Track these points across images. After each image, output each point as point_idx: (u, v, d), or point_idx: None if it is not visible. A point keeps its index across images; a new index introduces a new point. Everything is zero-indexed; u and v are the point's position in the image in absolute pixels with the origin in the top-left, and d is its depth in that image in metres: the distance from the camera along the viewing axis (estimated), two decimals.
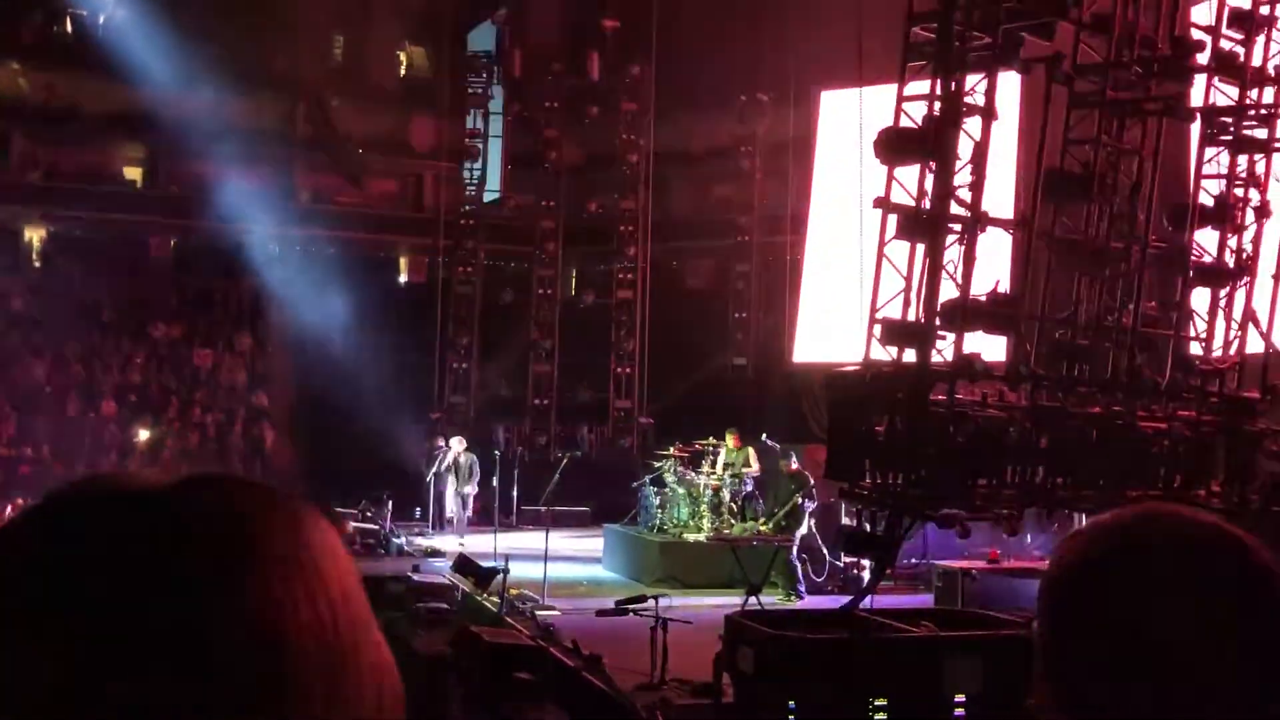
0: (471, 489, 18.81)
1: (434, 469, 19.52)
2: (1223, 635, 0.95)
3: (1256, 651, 0.95)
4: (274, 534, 0.69)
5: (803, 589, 12.84)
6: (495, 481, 18.00)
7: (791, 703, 6.73)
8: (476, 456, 18.99)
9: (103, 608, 0.63)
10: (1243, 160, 9.97)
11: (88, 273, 22.63)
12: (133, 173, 27.41)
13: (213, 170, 23.65)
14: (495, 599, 11.21)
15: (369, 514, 17.42)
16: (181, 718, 0.62)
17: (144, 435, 21.06)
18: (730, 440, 15.59)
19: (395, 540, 17.07)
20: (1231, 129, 9.94)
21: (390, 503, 17.91)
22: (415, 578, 12.39)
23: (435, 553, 16.09)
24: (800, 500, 13.53)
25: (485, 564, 12.06)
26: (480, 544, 15.49)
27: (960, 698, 7.00)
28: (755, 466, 15.34)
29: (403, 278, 28.29)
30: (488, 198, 25.65)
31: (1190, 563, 0.99)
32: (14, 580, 0.65)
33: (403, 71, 28.78)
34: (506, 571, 11.37)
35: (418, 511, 19.74)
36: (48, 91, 25.54)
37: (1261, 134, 10.00)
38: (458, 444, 19.11)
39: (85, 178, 25.48)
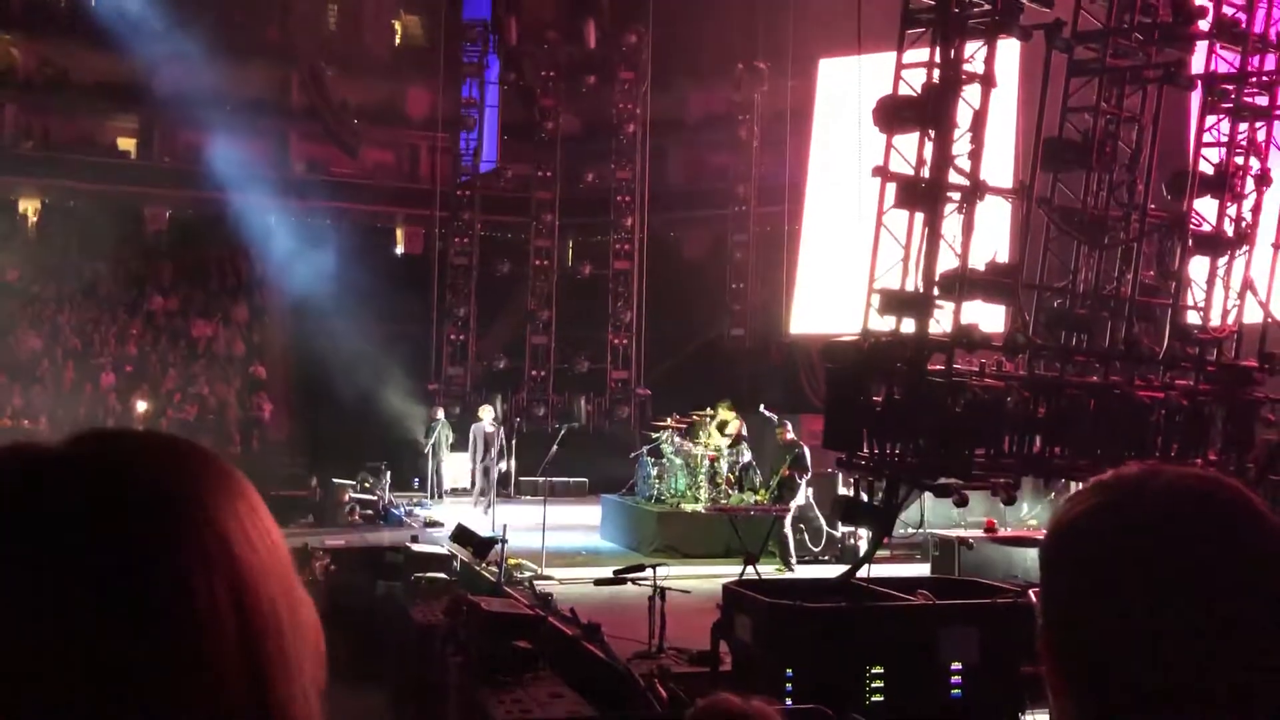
0: (499, 462, 17.99)
1: (431, 439, 19.55)
2: (1224, 582, 0.94)
3: (1258, 598, 0.94)
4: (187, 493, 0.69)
5: (792, 561, 12.87)
6: (494, 452, 18.06)
7: (789, 670, 6.75)
8: (500, 428, 18.52)
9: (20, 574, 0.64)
10: (1243, 128, 9.91)
11: (83, 244, 22.55)
12: (127, 143, 27.28)
13: (207, 141, 23.54)
14: (493, 569, 11.25)
15: (367, 484, 17.46)
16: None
17: (142, 407, 21.06)
18: (724, 413, 15.61)
19: (394, 511, 17.11)
20: (1232, 96, 9.87)
21: (388, 473, 17.95)
22: (414, 548, 12.43)
23: (434, 523, 16.14)
24: (789, 469, 13.56)
25: (483, 534, 12.09)
26: (479, 514, 15.52)
27: (957, 666, 7.03)
28: (736, 426, 15.39)
29: (399, 249, 28.24)
30: (484, 168, 25.53)
31: (1191, 509, 0.97)
32: None
33: (398, 41, 28.60)
34: (505, 541, 11.39)
35: (416, 482, 19.78)
36: (40, 61, 25.37)
37: (1262, 101, 9.93)
38: (486, 414, 18.76)
39: (79, 148, 25.35)
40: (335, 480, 17.19)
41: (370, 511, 16.85)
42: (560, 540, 13.95)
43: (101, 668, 0.63)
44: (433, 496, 19.22)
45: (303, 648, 0.70)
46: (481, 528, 12.99)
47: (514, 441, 17.96)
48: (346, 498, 16.82)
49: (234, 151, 23.25)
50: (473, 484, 18.51)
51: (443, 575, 11.53)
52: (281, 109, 26.32)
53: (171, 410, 21.17)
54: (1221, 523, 0.97)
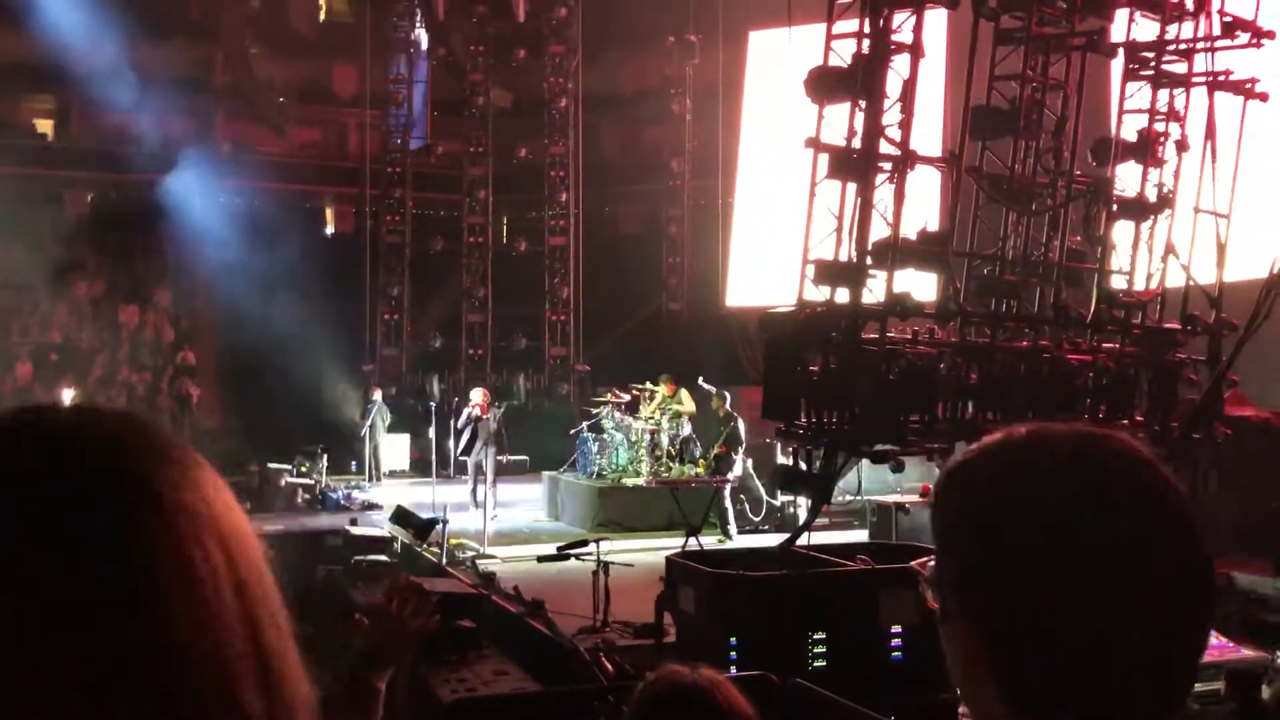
0: (489, 456, 15.00)
1: (368, 421, 19.37)
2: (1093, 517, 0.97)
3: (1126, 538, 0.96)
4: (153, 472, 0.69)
5: (732, 530, 12.99)
6: (431, 433, 17.89)
7: (733, 639, 6.83)
8: (500, 414, 15.66)
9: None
10: (1163, 95, 10.12)
11: (1, 229, 21.87)
12: (44, 125, 26.48)
13: (129, 121, 22.92)
14: (435, 549, 11.20)
15: (304, 468, 17.25)
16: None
17: (69, 396, 20.56)
18: (664, 386, 15.64)
19: (332, 494, 16.94)
20: (1152, 64, 10.07)
21: (325, 456, 17.75)
22: (353, 531, 12.32)
23: (372, 505, 16.01)
24: (724, 444, 13.67)
25: (424, 515, 12.01)
26: (418, 495, 15.42)
27: (897, 629, 7.15)
28: (690, 407, 15.42)
29: (329, 228, 27.79)
30: (414, 145, 25.20)
31: (1068, 448, 1.01)
32: None
33: (322, 16, 28.04)
34: (445, 522, 11.34)
35: (354, 465, 19.60)
36: None
37: (1181, 69, 10.15)
38: (478, 396, 15.79)
39: None
40: (271, 465, 16.96)
41: (308, 495, 16.67)
42: (502, 520, 13.93)
43: (105, 652, 0.62)
44: (371, 479, 19.06)
45: (279, 602, 0.72)
46: (476, 530, 12.59)
47: (452, 422, 17.78)
48: (284, 482, 16.62)
49: (157, 132, 22.68)
50: (469, 474, 15.51)
51: (384, 558, 11.46)
52: (206, 88, 25.70)
53: (100, 398, 20.70)
54: (1097, 461, 0.99)
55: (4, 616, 0.61)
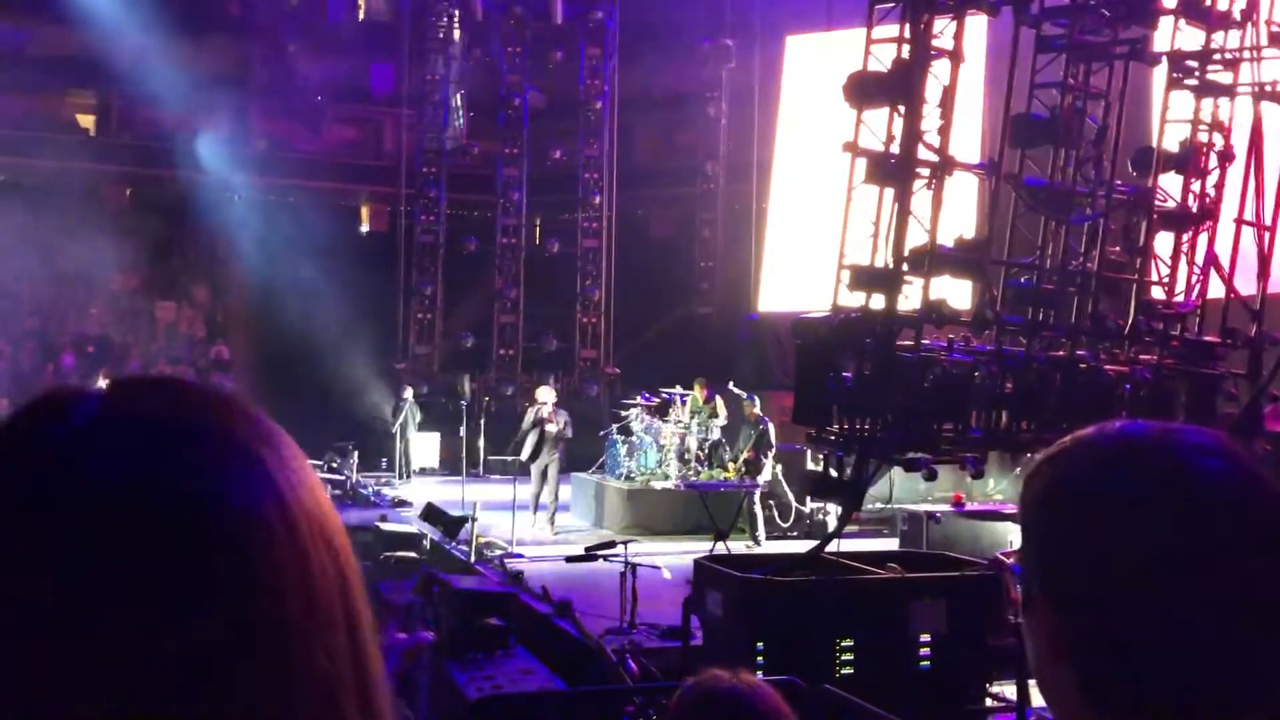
0: (555, 464, 13.86)
1: (399, 419, 19.46)
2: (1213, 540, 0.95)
3: (1255, 558, 0.95)
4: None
5: (760, 535, 12.95)
6: (462, 431, 17.94)
7: (760, 644, 6.80)
8: (565, 417, 14.17)
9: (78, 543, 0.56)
10: (1207, 104, 10.00)
11: (42, 222, 22.15)
12: (85, 120, 26.82)
13: (168, 117, 23.17)
14: (464, 547, 11.22)
15: (334, 464, 17.36)
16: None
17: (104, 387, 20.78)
18: (698, 391, 15.63)
19: (362, 490, 17.04)
20: (1196, 73, 9.95)
21: (356, 453, 17.85)
22: (383, 527, 12.38)
23: (402, 502, 16.08)
24: (753, 448, 13.62)
25: (453, 512, 12.05)
26: (448, 493, 15.47)
27: (925, 637, 7.10)
28: (723, 416, 15.40)
29: (364, 227, 27.98)
30: (449, 145, 25.32)
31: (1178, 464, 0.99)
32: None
33: (361, 15, 28.24)
34: (475, 520, 11.37)
35: (384, 462, 19.70)
36: None
37: (1226, 78, 10.01)
38: (547, 396, 14.26)
39: (36, 125, 24.87)
40: None
41: (338, 491, 16.77)
42: (530, 518, 13.94)
43: (226, 682, 0.57)
44: (401, 476, 19.14)
45: (368, 607, 0.66)
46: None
47: (482, 421, 17.84)
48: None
49: (195, 128, 22.91)
50: (532, 479, 13.96)
51: (413, 554, 11.50)
52: (243, 85, 25.94)
53: None
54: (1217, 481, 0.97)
55: (119, 605, 0.56)
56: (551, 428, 13.75)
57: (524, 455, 13.89)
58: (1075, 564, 0.98)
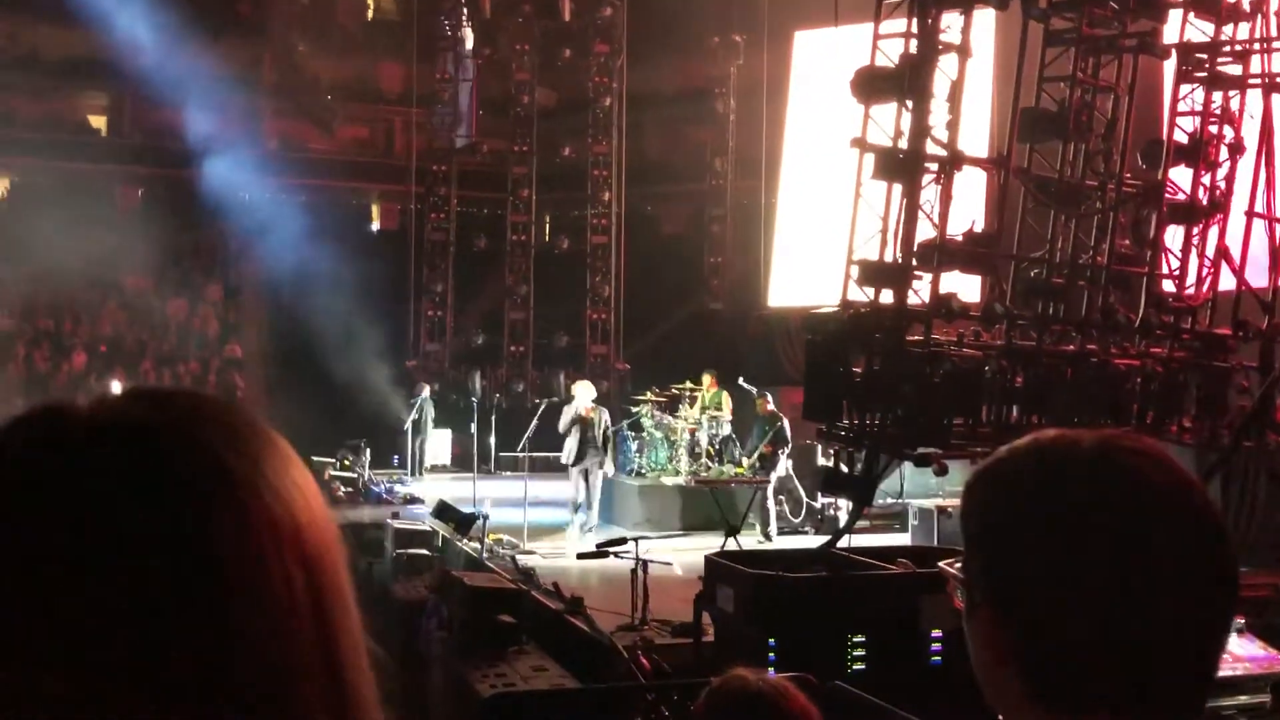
0: (598, 467, 12.95)
1: (412, 416, 19.52)
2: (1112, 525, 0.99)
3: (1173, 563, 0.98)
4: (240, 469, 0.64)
5: (773, 531, 12.97)
6: (473, 428, 17.96)
7: (771, 640, 6.80)
8: (604, 416, 13.16)
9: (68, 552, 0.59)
10: (1217, 97, 9.97)
11: (54, 223, 22.28)
12: (97, 121, 26.94)
13: (179, 118, 23.26)
14: (475, 544, 11.26)
15: (347, 462, 17.42)
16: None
17: (117, 388, 20.89)
18: (707, 381, 15.64)
19: (374, 488, 17.09)
20: (1206, 65, 9.92)
21: (368, 450, 17.90)
22: (395, 525, 12.42)
23: (414, 499, 16.13)
24: (770, 443, 13.62)
25: (465, 510, 12.09)
26: (459, 490, 15.52)
27: (937, 633, 7.10)
28: (727, 410, 15.40)
29: (375, 225, 28.05)
30: (459, 143, 25.36)
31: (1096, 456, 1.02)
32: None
33: (370, 14, 28.30)
34: (486, 517, 11.40)
35: (395, 459, 19.75)
36: (8, 39, 24.97)
37: (1236, 70, 9.99)
38: (584, 392, 13.29)
39: (48, 126, 25.00)
40: (314, 458, 17.14)
41: (351, 489, 16.83)
42: (542, 515, 13.98)
43: (170, 669, 0.59)
44: (414, 473, 19.19)
45: (358, 627, 0.68)
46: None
47: (493, 419, 17.85)
48: (326, 475, 16.79)
49: (206, 128, 22.99)
50: (572, 481, 13.02)
51: (424, 551, 11.54)
52: (254, 85, 26.02)
53: None
54: (1122, 469, 1.01)
55: (57, 607, 0.59)
56: (591, 430, 12.73)
57: (565, 458, 12.92)
58: (1014, 572, 1.01)
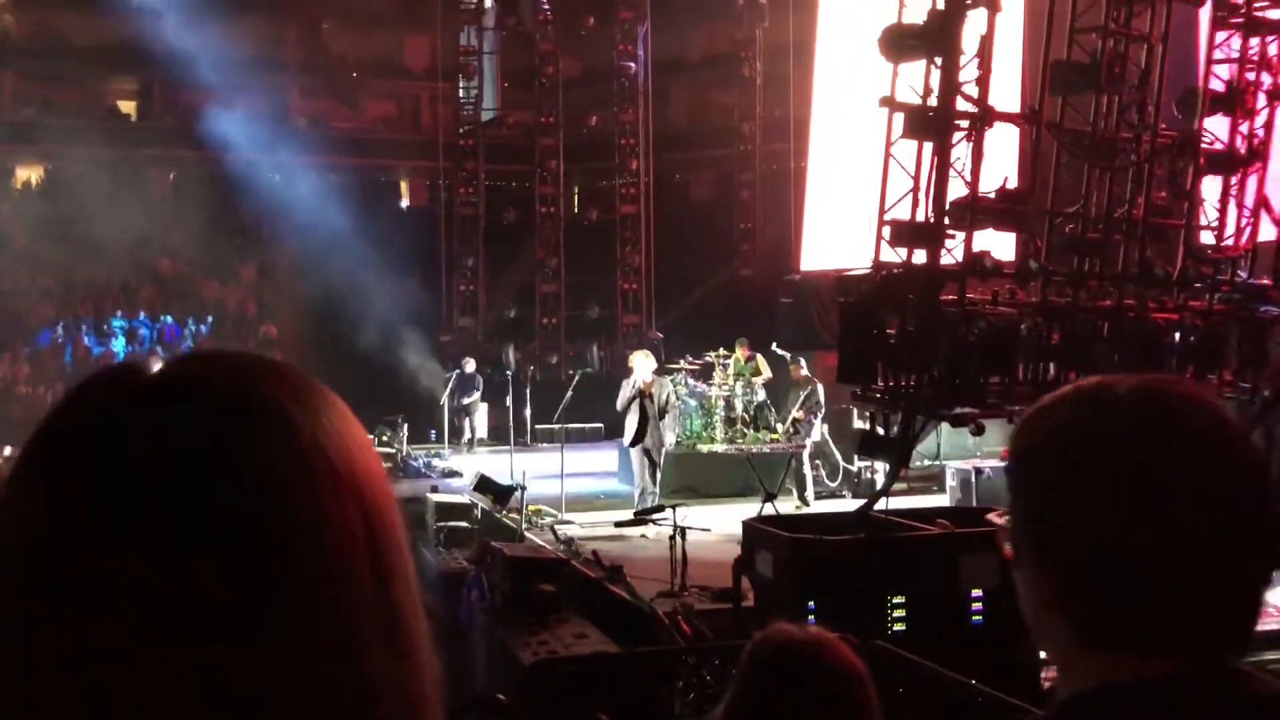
0: (660, 443, 12.01)
1: (448, 390, 19.64)
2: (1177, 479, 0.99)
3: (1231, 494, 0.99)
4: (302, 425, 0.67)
5: (809, 495, 12.97)
6: (509, 401, 18.07)
7: (811, 603, 6.82)
8: (670, 388, 12.39)
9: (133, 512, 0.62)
10: (1254, 42, 9.75)
11: (90, 209, 22.52)
12: (127, 106, 27.14)
13: (208, 100, 23.39)
14: (514, 515, 11.34)
15: (385, 438, 17.57)
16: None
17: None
18: (739, 351, 15.62)
19: (413, 463, 17.24)
20: (1243, 11, 9.70)
21: (406, 426, 18.05)
22: (435, 498, 12.54)
23: (452, 473, 16.26)
24: (803, 408, 13.58)
25: (503, 482, 12.17)
26: (497, 463, 15.63)
27: (977, 592, 7.09)
28: (766, 373, 15.38)
29: (404, 201, 28.12)
30: (485, 116, 25.33)
31: (1156, 407, 1.03)
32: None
33: None
34: (524, 489, 11.47)
35: (433, 434, 19.90)
36: (36, 27, 25.17)
37: (1274, 15, 9.76)
38: (643, 363, 12.03)
39: (79, 113, 25.22)
40: None
41: (389, 464, 16.99)
42: (579, 486, 14.06)
43: (233, 621, 0.61)
44: (469, 448, 19.25)
45: (413, 572, 0.70)
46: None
47: (528, 391, 17.91)
48: None
49: (235, 109, 23.10)
50: (634, 465, 12.11)
51: (464, 524, 11.65)
52: (280, 64, 26.09)
53: None
54: (1184, 419, 1.02)
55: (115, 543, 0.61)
56: (652, 404, 11.63)
57: (626, 439, 11.96)
58: (1057, 518, 1.02)
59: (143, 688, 0.60)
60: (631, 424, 11.67)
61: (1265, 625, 7.11)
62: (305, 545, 0.63)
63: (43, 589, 0.61)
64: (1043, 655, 7.42)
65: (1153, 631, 0.99)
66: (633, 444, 11.78)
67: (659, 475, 11.89)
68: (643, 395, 11.58)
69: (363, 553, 0.65)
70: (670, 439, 12.35)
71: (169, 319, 23.26)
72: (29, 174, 25.92)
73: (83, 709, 0.60)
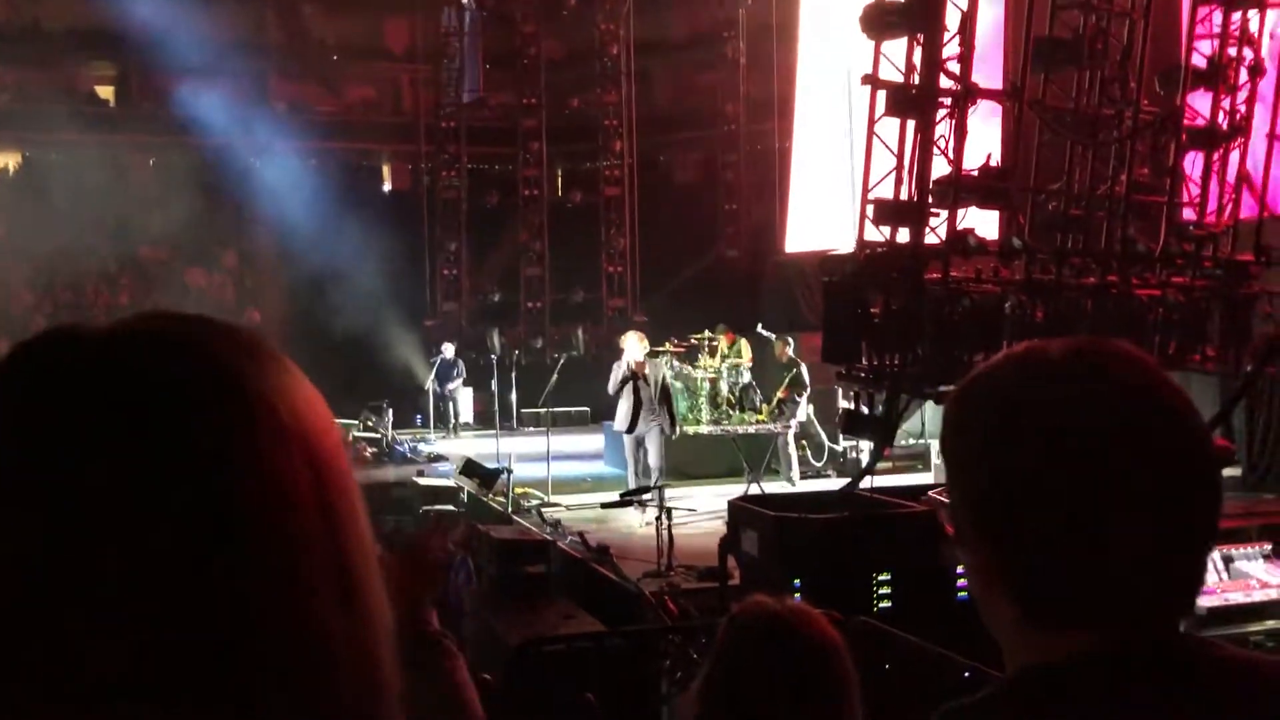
0: (655, 430, 11.15)
1: (432, 374, 19.60)
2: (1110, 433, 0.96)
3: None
4: (254, 381, 0.67)
5: (795, 475, 12.99)
6: (494, 385, 18.03)
7: (796, 581, 6.84)
8: (666, 371, 11.72)
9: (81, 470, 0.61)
10: (1236, 18, 9.77)
11: (68, 195, 22.34)
12: (105, 91, 26.89)
13: (187, 85, 23.19)
14: (501, 499, 11.33)
15: (370, 423, 17.52)
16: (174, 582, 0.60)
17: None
18: (723, 339, 15.64)
19: (398, 448, 17.20)
20: None
21: (390, 411, 17.99)
22: (421, 482, 12.52)
23: (439, 457, 16.23)
24: (788, 388, 13.60)
25: (490, 465, 12.16)
26: (483, 447, 15.61)
27: (962, 568, 7.12)
28: (747, 357, 15.39)
29: (387, 186, 27.97)
30: (467, 99, 25.19)
31: (1087, 364, 1.00)
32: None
33: None
34: (510, 471, 11.46)
35: (418, 419, 19.86)
36: (10, 10, 24.89)
37: None
38: (635, 344, 11.21)
39: (56, 98, 24.96)
40: (337, 420, 17.22)
41: (375, 449, 16.94)
42: (565, 469, 14.06)
43: (177, 575, 0.61)
44: (454, 431, 19.25)
45: (366, 527, 0.70)
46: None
47: (513, 375, 17.89)
48: (350, 437, 16.91)
49: (214, 94, 22.91)
50: (628, 454, 11.39)
51: (451, 507, 11.64)
52: (259, 48, 25.87)
53: None
54: (1115, 376, 0.98)
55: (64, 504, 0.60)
56: (645, 388, 10.86)
57: (618, 425, 11.23)
58: (991, 490, 0.98)
59: (87, 644, 0.59)
60: (624, 410, 11.01)
61: (1248, 598, 7.17)
62: (250, 497, 0.63)
63: None
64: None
65: (1098, 603, 0.95)
66: (628, 431, 11.09)
67: (655, 465, 11.00)
68: (635, 377, 10.89)
69: (310, 505, 0.65)
70: (668, 427, 11.39)
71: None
72: (6, 161, 25.68)
73: (39, 660, 0.59)
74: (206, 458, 0.62)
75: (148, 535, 0.60)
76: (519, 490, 11.77)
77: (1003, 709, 0.98)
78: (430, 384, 19.61)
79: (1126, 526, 0.94)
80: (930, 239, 8.31)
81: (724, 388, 15.10)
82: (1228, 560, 7.33)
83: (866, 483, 8.45)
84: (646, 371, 10.83)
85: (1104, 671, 0.94)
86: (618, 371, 10.93)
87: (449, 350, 20.02)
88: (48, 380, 0.64)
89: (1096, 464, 0.94)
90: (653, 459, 10.79)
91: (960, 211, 8.38)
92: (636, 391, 10.79)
